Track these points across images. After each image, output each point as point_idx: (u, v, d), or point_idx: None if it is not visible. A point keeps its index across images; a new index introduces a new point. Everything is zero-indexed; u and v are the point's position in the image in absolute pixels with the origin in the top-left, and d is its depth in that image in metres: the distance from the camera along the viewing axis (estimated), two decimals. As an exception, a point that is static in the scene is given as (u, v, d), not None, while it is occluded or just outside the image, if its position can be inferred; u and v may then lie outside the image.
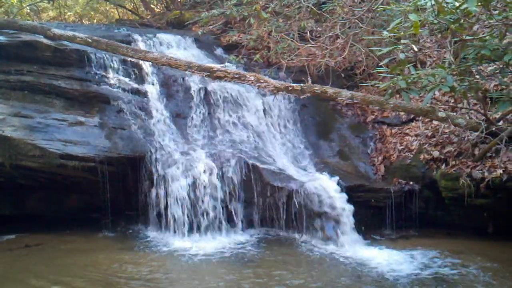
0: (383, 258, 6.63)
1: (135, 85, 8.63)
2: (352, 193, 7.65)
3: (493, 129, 6.89)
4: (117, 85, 8.45)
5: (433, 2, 5.04)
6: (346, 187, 7.65)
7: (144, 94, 8.59)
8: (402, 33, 5.83)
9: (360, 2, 9.13)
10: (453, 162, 7.35)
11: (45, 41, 8.28)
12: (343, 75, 9.65)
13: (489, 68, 7.54)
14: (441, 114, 7.16)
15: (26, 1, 14.60)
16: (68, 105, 8.04)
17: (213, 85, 8.79)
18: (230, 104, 8.82)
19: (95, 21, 17.63)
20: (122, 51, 8.26)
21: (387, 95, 6.15)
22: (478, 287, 5.64)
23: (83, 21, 17.62)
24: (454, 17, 5.23)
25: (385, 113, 9.05)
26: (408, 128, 8.58)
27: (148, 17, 14.89)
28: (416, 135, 8.27)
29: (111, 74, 8.53)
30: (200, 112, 8.68)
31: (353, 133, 9.13)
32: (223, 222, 7.65)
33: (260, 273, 6.08)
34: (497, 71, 6.71)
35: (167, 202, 7.57)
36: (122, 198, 7.85)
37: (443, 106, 7.86)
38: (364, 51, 9.04)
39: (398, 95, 6.79)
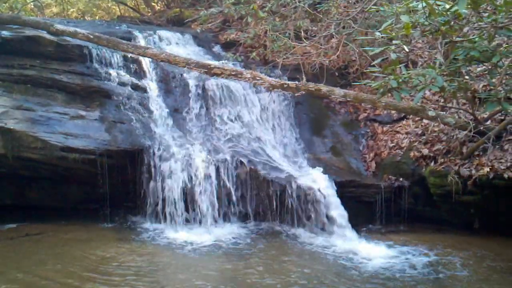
0: (372, 251, 6.77)
1: (135, 81, 8.74)
2: (344, 188, 7.82)
3: (481, 128, 7.04)
4: (117, 80, 8.55)
5: (424, 4, 5.15)
6: (338, 183, 7.79)
7: (143, 90, 8.70)
8: (394, 33, 5.92)
9: (354, 3, 9.26)
10: (442, 160, 7.49)
11: (48, 36, 8.38)
12: (337, 73, 9.81)
13: (478, 69, 7.69)
14: (431, 113, 7.28)
15: (30, -3, 14.68)
16: (70, 99, 8.14)
17: (211, 82, 8.89)
18: (226, 101, 8.93)
19: (97, 17, 17.69)
20: (122, 47, 8.38)
21: (379, 94, 6.19)
22: (463, 280, 5.78)
23: (85, 17, 17.69)
24: (445, 19, 5.33)
25: (377, 111, 9.19)
26: (399, 126, 8.74)
27: (149, 14, 15.00)
28: (407, 133, 8.42)
29: (111, 70, 8.64)
30: (197, 108, 8.80)
31: (345, 130, 9.30)
32: (219, 215, 7.78)
33: (253, 265, 6.18)
34: (486, 72, 6.85)
35: (164, 195, 7.68)
36: (121, 190, 7.97)
37: (433, 106, 7.99)
38: (357, 50, 9.15)
39: (389, 94, 6.86)
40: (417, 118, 8.42)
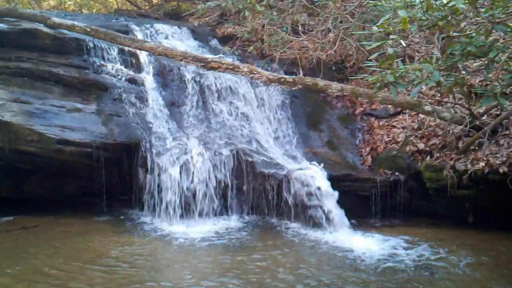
0: (368, 245, 6.77)
1: (132, 74, 8.73)
2: (340, 182, 7.85)
3: (477, 123, 7.05)
4: (114, 73, 8.55)
5: (422, -1, 5.21)
6: (334, 177, 7.83)
7: (140, 83, 8.69)
8: (391, 28, 5.95)
9: (351, -2, 9.28)
10: (438, 154, 7.53)
11: (45, 29, 8.35)
12: (334, 68, 9.83)
13: (475, 64, 7.69)
14: (427, 107, 7.32)
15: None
16: (67, 92, 8.12)
17: (208, 75, 8.92)
18: (223, 94, 8.96)
19: (94, 10, 17.66)
20: (119, 40, 8.37)
21: (375, 88, 6.21)
22: (457, 274, 5.79)
23: (83, 10, 17.65)
24: (442, 14, 5.38)
25: (373, 105, 9.23)
26: (395, 121, 8.78)
27: (146, 7, 14.97)
28: (403, 128, 8.46)
29: (108, 63, 8.62)
30: (194, 101, 8.82)
31: (342, 124, 9.34)
32: (215, 208, 7.81)
33: (250, 258, 6.17)
34: (482, 67, 6.86)
35: (160, 188, 7.69)
36: (117, 183, 7.99)
37: (429, 100, 8.00)
38: (354, 45, 9.20)
39: (386, 89, 6.88)
40: (413, 113, 8.44)
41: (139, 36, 9.47)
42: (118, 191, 8.14)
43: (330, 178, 7.75)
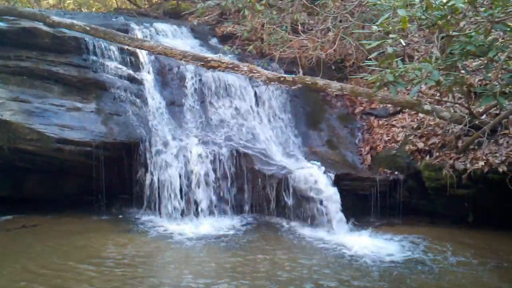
0: (367, 244, 6.78)
1: (132, 73, 8.68)
2: (339, 181, 7.86)
3: (476, 122, 7.05)
4: (114, 72, 8.51)
5: (421, -2, 5.22)
6: (334, 176, 7.83)
7: (140, 82, 8.66)
8: (391, 27, 5.96)
9: (351, -3, 9.29)
10: (437, 154, 7.53)
11: (44, 28, 8.32)
12: (333, 67, 9.83)
13: (474, 64, 7.72)
14: (427, 107, 7.32)
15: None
16: (66, 91, 8.10)
17: (208, 75, 8.90)
18: (223, 94, 8.95)
19: (93, 9, 17.65)
20: (119, 39, 8.36)
21: (375, 87, 6.22)
22: (455, 273, 5.80)
23: (82, 9, 17.64)
24: (442, 13, 5.39)
25: (373, 105, 9.23)
26: (395, 120, 8.79)
27: (146, 6, 14.96)
28: (402, 127, 8.46)
29: (108, 62, 8.57)
30: (194, 100, 8.80)
31: (341, 123, 9.34)
32: (215, 207, 7.82)
33: (250, 258, 6.18)
34: (482, 66, 6.89)
35: (160, 187, 7.70)
36: (117, 182, 8.00)
37: (429, 100, 8.02)
38: (354, 44, 9.20)
39: (386, 88, 6.90)
40: (413, 112, 8.45)
41: (139, 35, 9.44)
42: (117, 190, 8.14)
43: (330, 177, 7.75)
